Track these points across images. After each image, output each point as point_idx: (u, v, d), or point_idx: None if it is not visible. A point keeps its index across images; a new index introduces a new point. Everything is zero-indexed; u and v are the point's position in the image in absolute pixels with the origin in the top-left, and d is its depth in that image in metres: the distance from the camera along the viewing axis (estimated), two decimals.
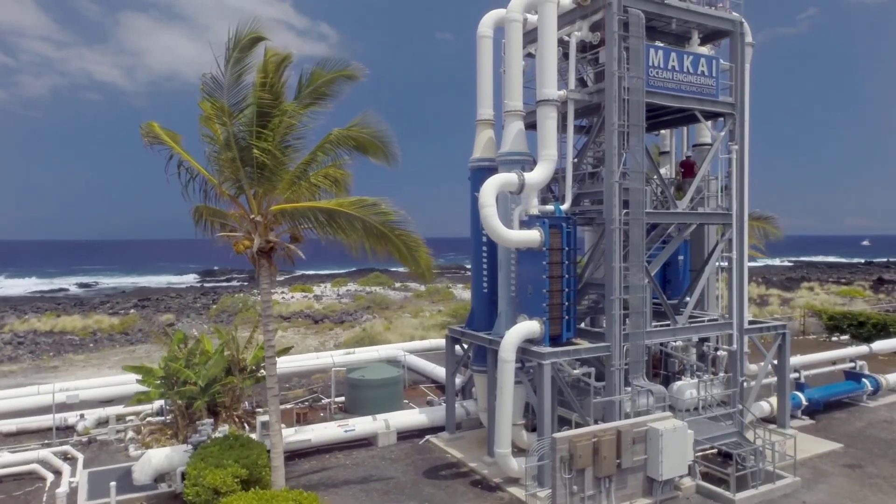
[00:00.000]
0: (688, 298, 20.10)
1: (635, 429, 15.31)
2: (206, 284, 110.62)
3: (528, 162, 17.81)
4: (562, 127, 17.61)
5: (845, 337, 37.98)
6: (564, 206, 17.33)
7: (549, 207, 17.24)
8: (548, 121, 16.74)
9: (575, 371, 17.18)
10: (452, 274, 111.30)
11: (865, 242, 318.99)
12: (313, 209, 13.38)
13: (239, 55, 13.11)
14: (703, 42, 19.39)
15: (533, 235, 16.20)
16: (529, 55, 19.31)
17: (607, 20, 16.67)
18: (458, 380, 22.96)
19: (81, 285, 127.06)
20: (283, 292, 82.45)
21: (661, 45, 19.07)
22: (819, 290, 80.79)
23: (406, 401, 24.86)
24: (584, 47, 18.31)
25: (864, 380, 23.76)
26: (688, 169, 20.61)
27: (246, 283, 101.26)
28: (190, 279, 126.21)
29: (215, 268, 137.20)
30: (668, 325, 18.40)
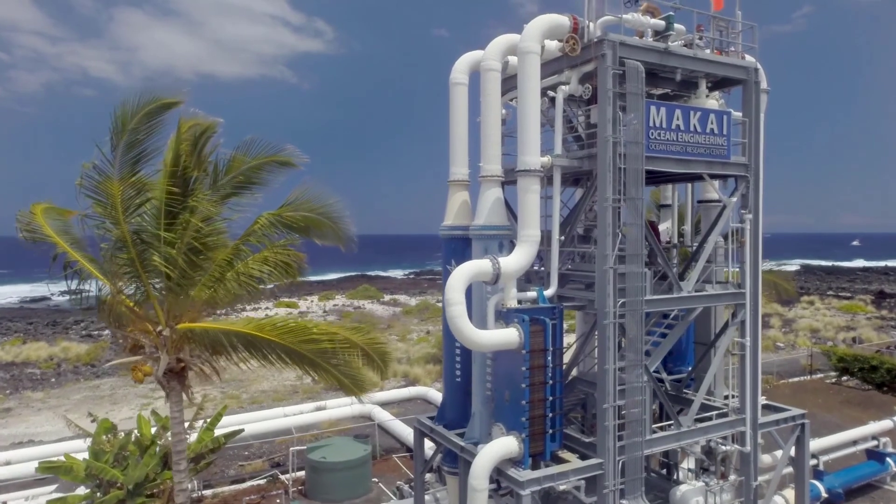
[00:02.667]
0: (692, 378, 17.62)
1: None
2: None
3: (506, 237, 15.09)
4: (547, 182, 14.93)
5: (853, 380, 35.52)
6: (549, 292, 14.61)
7: (532, 294, 14.52)
8: (529, 195, 13.98)
9: (562, 487, 14.54)
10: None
11: (855, 242, 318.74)
12: (227, 332, 10.63)
13: (134, 136, 10.34)
14: (712, 90, 16.67)
15: (510, 336, 13.45)
16: (511, 102, 16.61)
17: (600, 75, 13.90)
18: (439, 457, 20.29)
19: (65, 293, 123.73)
20: (267, 308, 79.52)
21: (664, 92, 16.46)
22: (819, 305, 78.61)
23: (375, 479, 22.20)
24: (573, 97, 15.57)
25: (888, 459, 21.19)
26: (654, 232, 17.65)
27: None
28: None
29: None
30: (670, 424, 15.76)
